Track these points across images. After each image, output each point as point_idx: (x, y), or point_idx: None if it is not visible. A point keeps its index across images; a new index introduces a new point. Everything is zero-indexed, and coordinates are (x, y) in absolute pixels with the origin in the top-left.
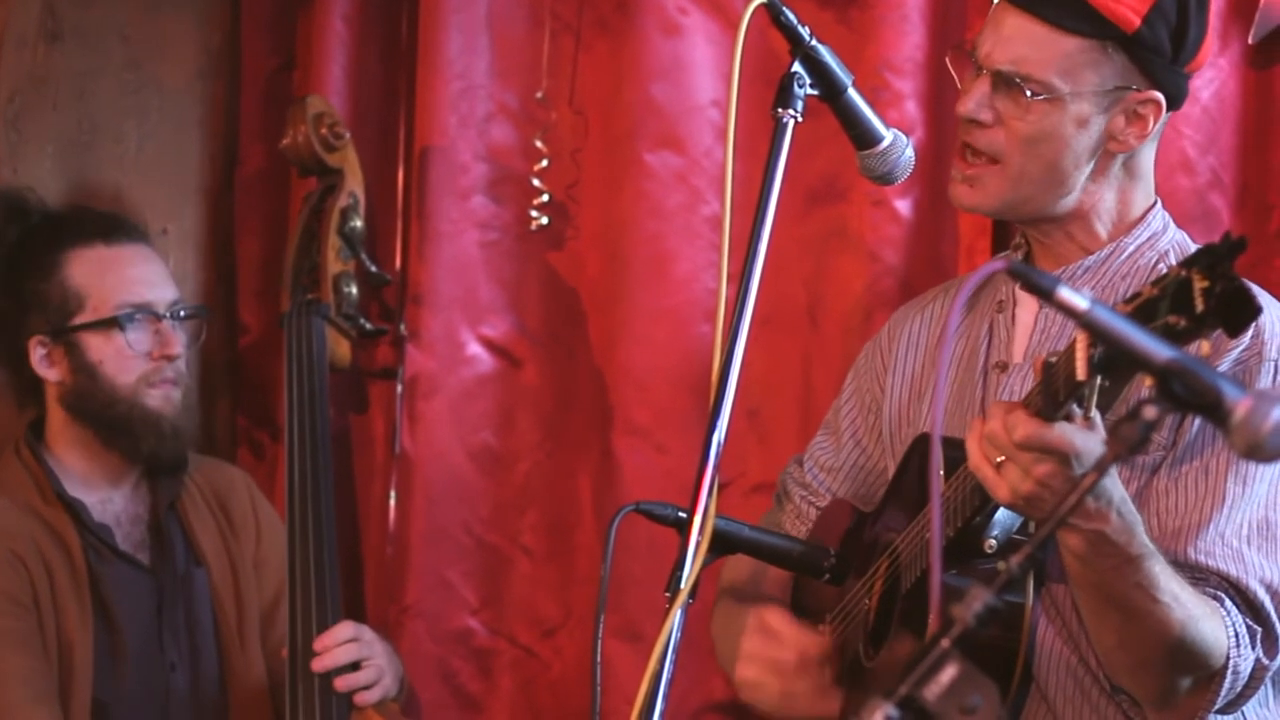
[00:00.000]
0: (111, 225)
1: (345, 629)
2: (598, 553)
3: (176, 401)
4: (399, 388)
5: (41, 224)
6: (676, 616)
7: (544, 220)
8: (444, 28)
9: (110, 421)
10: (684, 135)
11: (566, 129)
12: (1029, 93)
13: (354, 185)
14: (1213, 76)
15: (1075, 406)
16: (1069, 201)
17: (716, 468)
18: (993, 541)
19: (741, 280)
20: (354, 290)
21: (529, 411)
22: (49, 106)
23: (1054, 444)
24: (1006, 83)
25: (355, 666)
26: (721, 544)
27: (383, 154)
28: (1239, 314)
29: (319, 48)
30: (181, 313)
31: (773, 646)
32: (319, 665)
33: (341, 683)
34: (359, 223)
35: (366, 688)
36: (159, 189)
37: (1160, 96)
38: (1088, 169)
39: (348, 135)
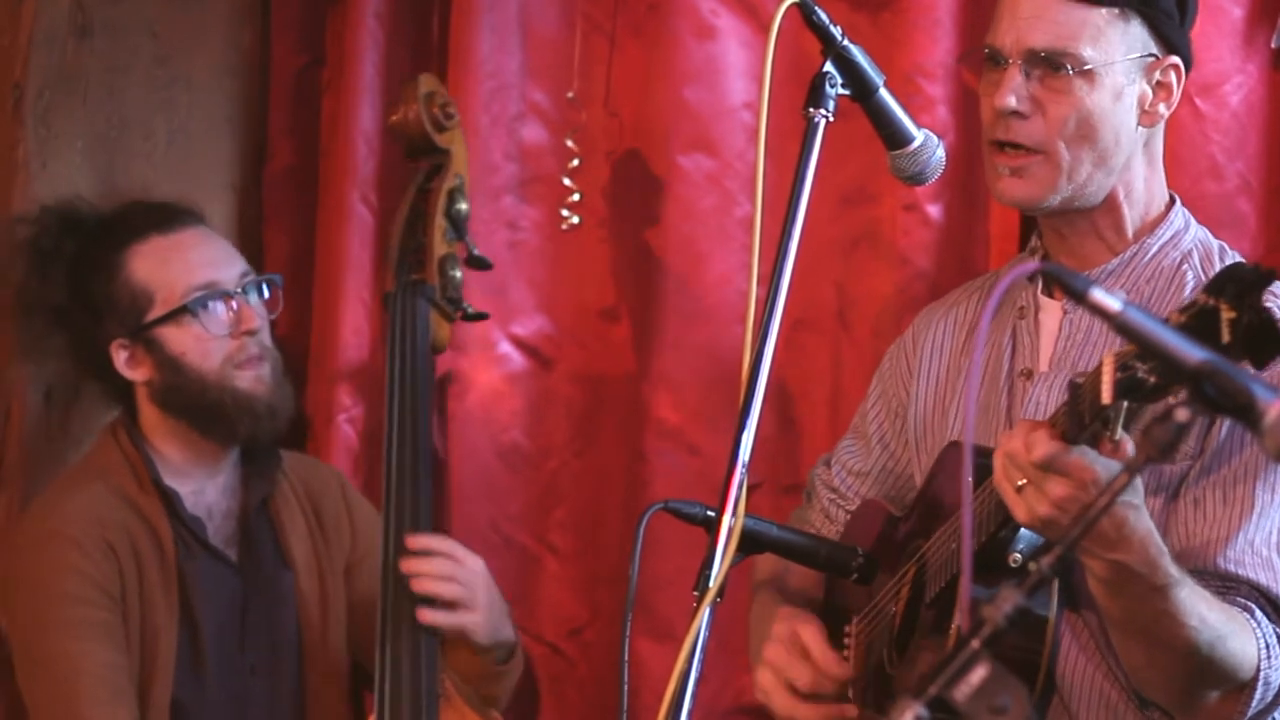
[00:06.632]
0: (164, 214)
1: (444, 541)
2: (626, 552)
3: (267, 378)
4: None
5: (96, 230)
6: (704, 616)
7: (575, 220)
8: (476, 27)
9: (204, 410)
10: (716, 138)
11: (598, 130)
12: (1068, 68)
13: (460, 167)
14: (1241, 82)
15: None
16: (1107, 185)
17: (746, 467)
18: (1018, 555)
19: (771, 282)
20: (459, 274)
21: (559, 411)
22: (78, 102)
23: (1071, 468)
24: (1041, 64)
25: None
26: (750, 543)
27: None
28: (1265, 347)
29: (351, 46)
30: (253, 283)
31: (793, 664)
32: (408, 566)
33: (419, 585)
34: (465, 205)
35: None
36: (187, 185)
37: (1179, 61)
38: (1126, 147)
39: (458, 116)
